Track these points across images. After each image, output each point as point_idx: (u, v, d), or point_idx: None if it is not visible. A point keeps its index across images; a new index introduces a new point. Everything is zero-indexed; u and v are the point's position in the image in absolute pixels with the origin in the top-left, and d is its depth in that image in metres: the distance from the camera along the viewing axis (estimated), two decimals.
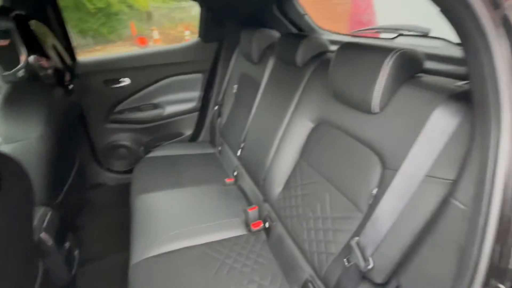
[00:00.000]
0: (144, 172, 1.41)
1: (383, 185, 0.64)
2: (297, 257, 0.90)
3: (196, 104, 1.77)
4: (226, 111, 1.63)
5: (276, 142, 1.07)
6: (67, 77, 1.12)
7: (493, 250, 0.38)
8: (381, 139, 0.66)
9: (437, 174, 0.52)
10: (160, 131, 1.76)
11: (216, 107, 1.70)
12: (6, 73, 0.92)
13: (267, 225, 1.08)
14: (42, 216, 0.93)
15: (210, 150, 1.71)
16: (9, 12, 0.94)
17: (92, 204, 1.61)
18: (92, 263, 1.22)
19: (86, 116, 1.52)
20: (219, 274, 0.90)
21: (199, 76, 1.71)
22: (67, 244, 1.01)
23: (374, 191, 0.66)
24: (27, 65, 0.98)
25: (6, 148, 0.89)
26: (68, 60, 1.18)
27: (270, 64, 1.23)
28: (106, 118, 1.59)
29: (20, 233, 0.67)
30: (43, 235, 0.89)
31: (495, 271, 0.38)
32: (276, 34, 1.33)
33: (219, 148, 1.66)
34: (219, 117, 1.70)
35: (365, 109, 0.68)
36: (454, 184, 0.46)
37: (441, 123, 0.53)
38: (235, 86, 1.57)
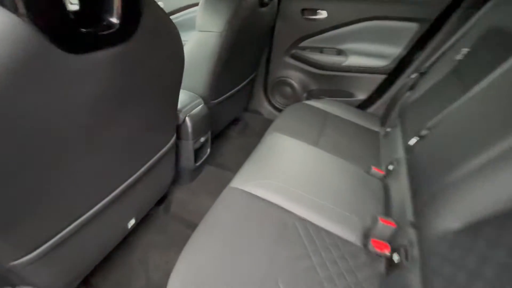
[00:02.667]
0: (290, 114, 1.30)
1: None
2: None
3: (388, 64, 1.35)
4: (426, 83, 1.11)
5: (493, 152, 0.55)
6: None
7: None
8: None
9: None
10: (330, 84, 1.52)
11: (414, 75, 1.21)
12: None
13: (395, 258, 0.68)
14: (195, 104, 1.04)
15: (375, 128, 1.31)
16: None
17: (244, 125, 1.76)
18: (217, 167, 1.34)
19: (273, 39, 1.53)
20: (292, 261, 0.67)
21: (412, 25, 1.23)
22: (202, 139, 1.12)
23: None
24: None
25: (197, 34, 1.01)
26: None
27: None
28: (287, 51, 1.54)
29: (168, 85, 0.72)
30: (187, 119, 1.00)
31: None
32: None
33: (388, 129, 1.23)
34: (410, 89, 1.21)
35: None
36: None
37: None
38: (465, 50, 0.99)
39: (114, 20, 0.46)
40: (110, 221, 0.75)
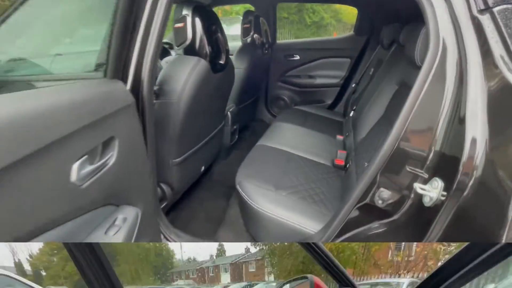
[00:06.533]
0: (285, 114, 2.14)
1: None
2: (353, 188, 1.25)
3: (339, 81, 2.28)
4: (359, 88, 2.01)
5: (369, 102, 1.41)
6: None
7: None
8: None
9: None
10: (308, 96, 2.43)
11: (354, 85, 2.11)
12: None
13: (348, 166, 1.44)
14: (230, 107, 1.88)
15: (340, 119, 2.16)
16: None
17: (253, 129, 2.58)
18: (242, 150, 2.11)
19: (269, 73, 2.44)
20: (298, 169, 1.40)
21: (347, 60, 2.20)
22: (236, 126, 1.93)
23: None
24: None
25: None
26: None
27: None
28: (279, 78, 2.46)
29: (227, 91, 1.57)
30: (228, 113, 1.82)
31: None
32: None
33: (346, 118, 2.08)
34: (353, 93, 2.10)
35: None
36: None
37: None
38: (372, 69, 1.91)
39: (222, 61, 1.32)
40: (198, 160, 1.51)
